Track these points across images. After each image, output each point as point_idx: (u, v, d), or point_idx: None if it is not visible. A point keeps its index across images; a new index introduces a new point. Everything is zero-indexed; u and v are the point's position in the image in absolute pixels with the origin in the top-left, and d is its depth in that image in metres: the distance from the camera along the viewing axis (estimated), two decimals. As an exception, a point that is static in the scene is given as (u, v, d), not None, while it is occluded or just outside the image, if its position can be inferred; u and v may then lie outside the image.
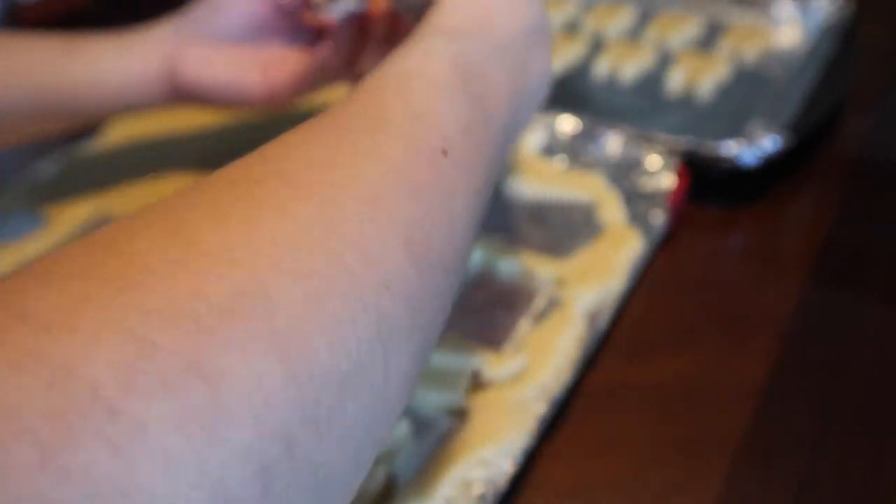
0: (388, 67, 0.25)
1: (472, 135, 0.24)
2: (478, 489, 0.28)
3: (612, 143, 0.45)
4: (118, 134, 0.50)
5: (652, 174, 0.43)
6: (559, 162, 0.45)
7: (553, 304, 0.36)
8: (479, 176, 0.24)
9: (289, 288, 0.16)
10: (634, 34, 0.59)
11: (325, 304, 0.17)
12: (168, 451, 0.13)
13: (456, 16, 0.28)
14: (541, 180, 0.44)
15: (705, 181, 0.43)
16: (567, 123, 0.46)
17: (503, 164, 0.30)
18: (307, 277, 0.17)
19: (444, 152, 0.22)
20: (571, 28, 0.60)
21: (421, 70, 0.25)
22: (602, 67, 0.55)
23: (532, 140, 0.46)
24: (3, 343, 0.13)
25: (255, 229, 0.17)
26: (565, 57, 0.56)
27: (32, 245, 0.42)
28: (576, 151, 0.46)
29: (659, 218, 0.41)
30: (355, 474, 0.18)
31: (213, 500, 0.14)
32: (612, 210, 0.41)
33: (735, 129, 0.45)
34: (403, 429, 0.31)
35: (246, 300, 0.16)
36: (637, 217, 0.41)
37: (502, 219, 0.42)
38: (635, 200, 0.42)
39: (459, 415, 0.32)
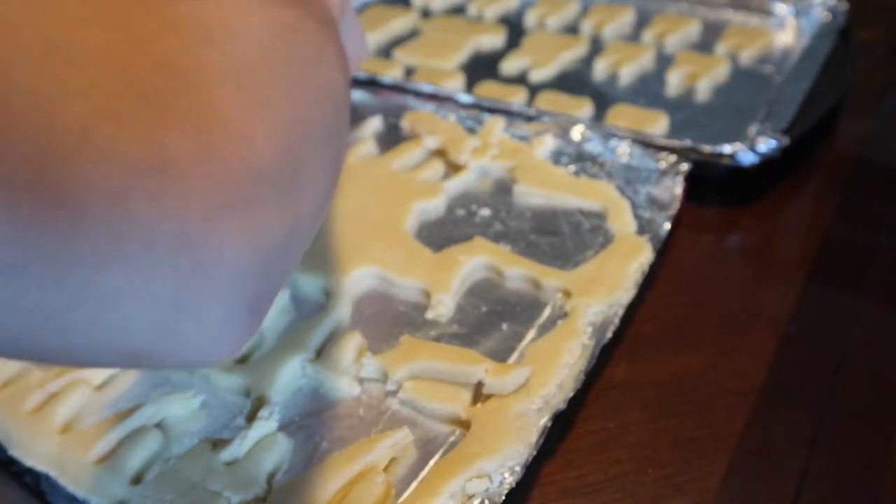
0: None
1: None
2: (477, 502, 0.28)
3: (623, 149, 0.44)
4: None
5: (662, 182, 0.42)
6: (569, 168, 0.44)
7: (559, 316, 0.35)
8: None
9: None
10: (634, 35, 0.59)
11: None
12: None
13: None
14: (550, 187, 0.43)
15: (705, 181, 0.43)
16: (577, 129, 0.46)
17: None
18: None
19: None
20: (571, 28, 0.61)
21: None
22: (602, 68, 0.55)
23: (541, 146, 0.45)
24: None
25: None
26: (565, 57, 0.56)
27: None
28: (585, 158, 0.45)
29: (667, 227, 0.40)
30: None
31: None
32: (622, 218, 0.40)
33: (734, 129, 0.45)
34: (405, 438, 0.31)
35: None
36: (646, 226, 0.40)
37: (509, 227, 0.41)
38: (645, 209, 0.41)
39: (461, 426, 0.31)
